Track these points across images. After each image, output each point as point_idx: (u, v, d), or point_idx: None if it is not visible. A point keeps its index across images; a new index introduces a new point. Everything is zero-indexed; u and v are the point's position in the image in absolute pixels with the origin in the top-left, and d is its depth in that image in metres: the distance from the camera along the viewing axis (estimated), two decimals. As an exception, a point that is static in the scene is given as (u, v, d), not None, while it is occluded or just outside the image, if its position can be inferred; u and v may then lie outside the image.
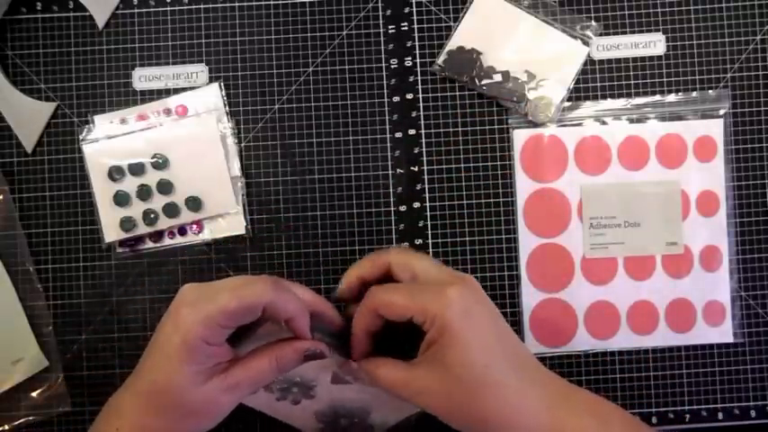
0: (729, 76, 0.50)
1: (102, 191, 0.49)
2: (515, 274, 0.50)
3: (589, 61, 0.50)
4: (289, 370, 0.39)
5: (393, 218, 0.50)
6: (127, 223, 0.49)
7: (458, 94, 0.51)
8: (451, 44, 0.50)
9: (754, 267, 0.50)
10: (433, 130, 0.51)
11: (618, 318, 0.50)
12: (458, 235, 0.50)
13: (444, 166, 0.51)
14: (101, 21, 0.51)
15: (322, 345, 0.39)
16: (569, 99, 0.50)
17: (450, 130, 0.51)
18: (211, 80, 0.51)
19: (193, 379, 0.36)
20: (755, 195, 0.50)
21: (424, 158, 0.51)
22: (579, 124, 0.50)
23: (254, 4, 0.51)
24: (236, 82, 0.51)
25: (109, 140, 0.49)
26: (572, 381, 0.40)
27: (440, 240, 0.50)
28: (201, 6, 0.51)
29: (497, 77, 0.50)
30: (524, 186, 0.50)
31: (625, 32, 0.51)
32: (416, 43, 0.51)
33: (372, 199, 0.50)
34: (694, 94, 0.50)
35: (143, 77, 0.51)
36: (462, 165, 0.51)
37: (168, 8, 0.51)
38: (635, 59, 0.51)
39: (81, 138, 0.49)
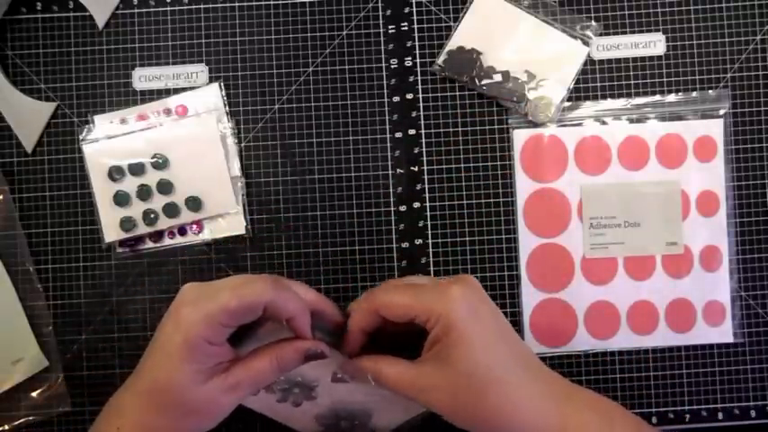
0: (729, 76, 0.50)
1: (102, 191, 0.49)
2: (515, 274, 0.50)
3: (589, 61, 0.50)
4: (289, 370, 0.39)
5: (393, 218, 0.50)
6: (127, 223, 0.49)
7: (458, 94, 0.51)
8: (451, 44, 0.50)
9: (754, 267, 0.50)
10: (433, 130, 0.51)
11: (618, 318, 0.50)
12: (458, 235, 0.50)
13: (444, 166, 0.51)
14: (101, 21, 0.51)
15: (323, 344, 0.39)
16: (569, 99, 0.50)
17: (451, 130, 0.51)
18: (211, 80, 0.51)
19: (194, 378, 0.36)
20: (755, 195, 0.50)
21: (424, 158, 0.51)
22: (579, 124, 0.50)
23: (254, 4, 0.51)
24: (236, 82, 0.51)
25: (109, 140, 0.49)
26: (572, 381, 0.41)
27: (440, 240, 0.50)
28: (201, 6, 0.51)
29: (497, 77, 0.50)
30: (524, 186, 0.50)
31: (625, 32, 0.51)
32: (416, 43, 0.51)
33: (372, 199, 0.50)
34: (694, 94, 0.50)
35: (143, 77, 0.51)
36: (462, 165, 0.51)
37: (168, 8, 0.51)
38: (635, 59, 0.51)
39: (81, 138, 0.49)
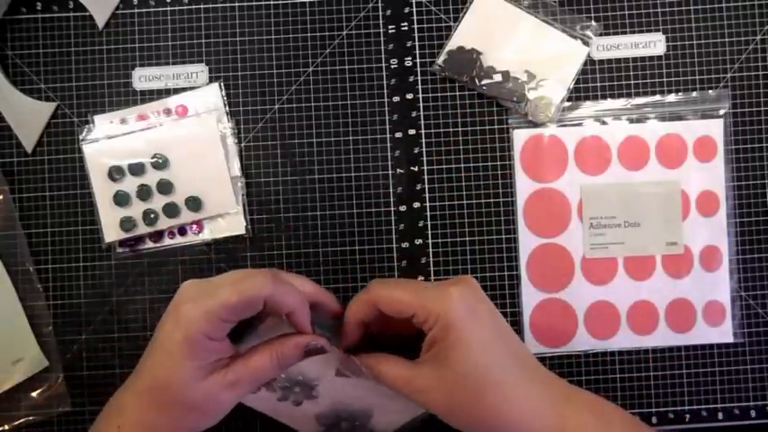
0: (729, 76, 0.50)
1: (102, 191, 0.49)
2: (515, 274, 0.50)
3: (589, 61, 0.50)
4: (290, 365, 0.39)
5: (393, 218, 0.50)
6: (127, 223, 0.49)
7: (458, 94, 0.51)
8: (451, 44, 0.50)
9: (754, 267, 0.50)
10: (433, 130, 0.51)
11: (618, 318, 0.50)
12: (458, 235, 0.50)
13: (444, 166, 0.51)
14: (101, 21, 0.51)
15: (323, 339, 0.39)
16: (569, 99, 0.50)
17: (451, 130, 0.51)
18: (211, 80, 0.51)
19: (195, 374, 0.37)
20: (755, 195, 0.50)
21: (424, 158, 0.51)
22: (579, 124, 0.50)
23: (254, 4, 0.51)
24: (236, 82, 0.51)
25: (109, 140, 0.49)
26: (572, 381, 0.41)
27: (440, 240, 0.50)
28: (201, 6, 0.51)
29: (497, 77, 0.50)
30: (524, 186, 0.50)
31: (625, 32, 0.51)
32: (416, 43, 0.51)
33: (372, 199, 0.50)
34: (694, 94, 0.50)
35: (143, 77, 0.51)
36: (462, 165, 0.51)
37: (168, 8, 0.51)
38: (635, 59, 0.51)
39: (81, 138, 0.49)
